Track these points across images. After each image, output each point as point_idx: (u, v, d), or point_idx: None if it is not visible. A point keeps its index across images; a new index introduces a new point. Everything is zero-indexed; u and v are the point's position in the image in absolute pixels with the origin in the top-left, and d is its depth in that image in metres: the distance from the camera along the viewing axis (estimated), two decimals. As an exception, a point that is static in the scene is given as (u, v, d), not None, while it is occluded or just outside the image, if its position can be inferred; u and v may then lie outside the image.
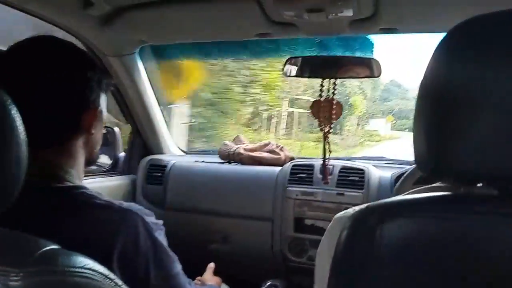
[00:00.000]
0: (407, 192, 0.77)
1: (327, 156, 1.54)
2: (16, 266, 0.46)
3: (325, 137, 1.51)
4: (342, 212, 0.70)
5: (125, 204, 0.80)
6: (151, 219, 0.81)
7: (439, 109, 0.52)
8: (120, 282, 0.59)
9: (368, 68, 1.39)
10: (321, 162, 1.75)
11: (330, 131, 1.52)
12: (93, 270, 0.52)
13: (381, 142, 14.89)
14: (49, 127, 0.77)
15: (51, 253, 0.50)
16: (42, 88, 0.76)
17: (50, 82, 0.76)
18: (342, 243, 0.55)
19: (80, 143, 0.83)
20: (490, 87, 0.48)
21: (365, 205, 0.65)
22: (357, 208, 0.69)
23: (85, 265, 0.52)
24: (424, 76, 0.54)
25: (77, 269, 0.50)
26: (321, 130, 1.51)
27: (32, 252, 0.48)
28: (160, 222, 0.84)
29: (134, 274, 0.75)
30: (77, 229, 0.73)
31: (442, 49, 0.53)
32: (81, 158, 0.84)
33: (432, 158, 0.53)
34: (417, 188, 0.73)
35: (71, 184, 0.79)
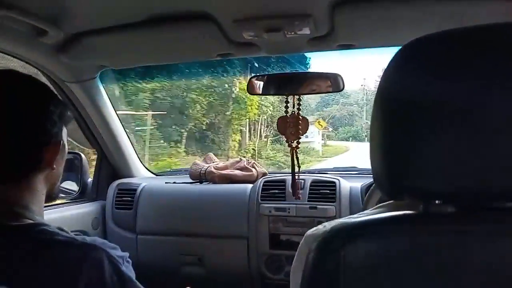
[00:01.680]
0: (371, 209, 0.77)
1: (296, 170, 1.55)
2: None
3: (293, 152, 1.51)
4: (313, 229, 0.70)
5: (89, 239, 0.77)
6: (116, 252, 0.78)
7: (394, 125, 0.52)
8: None
9: (331, 82, 1.41)
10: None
11: (298, 146, 1.53)
12: None
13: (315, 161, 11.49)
14: (8, 162, 0.75)
15: None
16: (1, 123, 0.73)
17: (10, 117, 0.74)
18: (309, 266, 0.56)
19: (41, 178, 0.80)
20: (444, 102, 0.49)
21: (334, 222, 0.66)
22: (327, 224, 0.69)
23: None
24: (378, 89, 0.54)
25: None
26: (289, 146, 1.51)
27: None
28: (126, 254, 0.81)
29: None
30: (37, 270, 0.70)
31: (396, 63, 0.53)
32: (41, 194, 0.81)
33: (389, 179, 0.54)
34: (379, 205, 0.73)
35: (31, 222, 0.76)
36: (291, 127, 1.46)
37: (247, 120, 10.88)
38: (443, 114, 0.49)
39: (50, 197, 0.87)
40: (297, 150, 1.53)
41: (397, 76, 0.53)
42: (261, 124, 11.68)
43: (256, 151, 10.98)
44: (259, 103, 10.32)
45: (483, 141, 0.48)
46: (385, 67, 0.54)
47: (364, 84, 17.76)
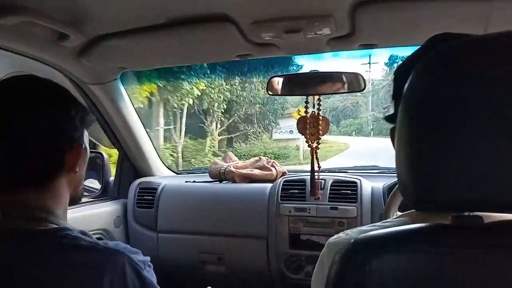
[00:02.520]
0: (395, 217, 0.76)
1: (316, 170, 1.54)
2: None
3: (314, 152, 1.50)
4: (335, 236, 0.69)
5: (111, 244, 0.78)
6: (138, 257, 0.79)
7: (423, 133, 0.51)
8: None
9: (351, 82, 1.38)
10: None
11: (319, 146, 1.52)
12: None
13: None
14: (31, 168, 0.76)
15: None
16: (23, 129, 0.74)
17: (32, 123, 0.75)
18: (332, 279, 0.55)
19: (64, 182, 0.81)
20: (477, 110, 0.47)
21: (356, 231, 0.64)
22: (349, 232, 0.68)
23: None
24: (405, 94, 0.52)
25: None
26: (309, 146, 1.51)
27: None
28: (148, 258, 0.81)
29: None
30: (60, 275, 0.71)
31: (427, 68, 0.52)
32: (65, 197, 0.82)
33: (417, 190, 0.52)
34: (404, 213, 0.72)
35: (55, 226, 0.77)
36: (311, 128, 1.45)
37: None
38: (477, 123, 0.47)
39: (74, 200, 0.88)
40: (317, 150, 1.52)
41: (427, 82, 0.51)
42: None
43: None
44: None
45: None
46: (414, 72, 0.52)
47: (369, 70, 16.24)
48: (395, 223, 0.65)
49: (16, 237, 0.73)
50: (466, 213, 0.53)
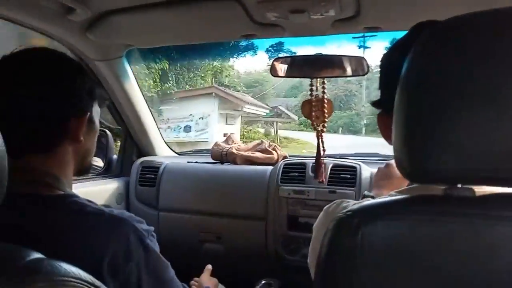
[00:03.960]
0: (393, 191, 0.77)
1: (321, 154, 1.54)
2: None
3: (319, 135, 1.50)
4: (332, 203, 0.71)
5: (116, 212, 0.80)
6: (142, 226, 0.81)
7: (417, 107, 0.52)
8: None
9: (355, 66, 1.38)
10: (313, 160, 1.76)
11: (324, 130, 1.51)
12: (77, 278, 0.53)
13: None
14: (36, 132, 0.78)
15: (36, 262, 0.51)
16: (28, 95, 0.77)
17: (38, 89, 0.77)
18: (325, 245, 0.56)
19: (69, 150, 0.83)
20: (469, 85, 0.48)
21: (352, 202, 0.66)
22: (345, 200, 0.69)
23: (69, 273, 0.52)
24: (404, 73, 0.53)
25: (61, 278, 0.51)
26: (315, 129, 1.50)
27: (17, 261, 0.49)
28: (152, 228, 0.83)
29: (126, 281, 0.75)
30: (66, 239, 0.73)
31: (424, 45, 0.52)
32: (70, 166, 0.84)
33: (410, 161, 0.53)
34: (401, 189, 0.73)
35: (62, 193, 0.79)
36: (317, 110, 1.45)
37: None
38: (468, 96, 0.48)
39: (80, 171, 0.90)
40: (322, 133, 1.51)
41: (422, 59, 0.52)
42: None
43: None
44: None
45: (509, 125, 0.47)
46: (412, 50, 0.53)
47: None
48: (393, 196, 0.66)
49: (25, 201, 0.75)
50: (458, 186, 0.54)
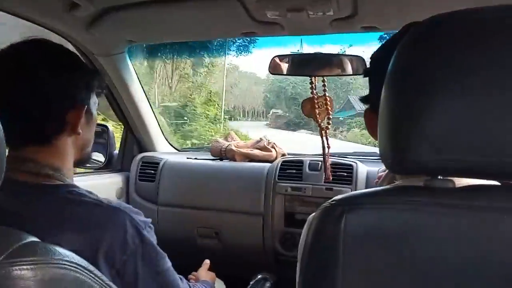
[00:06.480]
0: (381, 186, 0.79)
1: (326, 152, 1.53)
2: None
3: (324, 132, 1.51)
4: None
5: (114, 203, 0.82)
6: (139, 217, 0.83)
7: (399, 100, 0.54)
8: (99, 274, 0.61)
9: (353, 65, 1.40)
10: (311, 158, 1.78)
11: (328, 126, 1.51)
12: (71, 262, 0.54)
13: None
14: (35, 124, 0.80)
15: (30, 245, 0.52)
16: (27, 87, 0.78)
17: (36, 80, 0.78)
18: (311, 233, 0.59)
19: (68, 142, 0.85)
20: (450, 76, 0.50)
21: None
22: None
23: (63, 257, 0.54)
24: (390, 68, 0.55)
25: (54, 261, 0.52)
26: (319, 126, 1.50)
27: (12, 244, 0.50)
28: (149, 220, 0.85)
29: (122, 271, 0.77)
30: (64, 228, 0.75)
31: (410, 42, 0.54)
32: (69, 158, 0.86)
33: (392, 153, 0.55)
34: (387, 184, 0.75)
35: (61, 183, 0.81)
36: (320, 108, 1.46)
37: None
38: (449, 91, 0.49)
39: (80, 162, 0.92)
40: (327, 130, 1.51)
41: (406, 57, 0.54)
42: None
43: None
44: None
45: (489, 116, 0.48)
46: (397, 48, 0.55)
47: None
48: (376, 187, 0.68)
49: (24, 188, 0.77)
50: (439, 177, 0.56)
